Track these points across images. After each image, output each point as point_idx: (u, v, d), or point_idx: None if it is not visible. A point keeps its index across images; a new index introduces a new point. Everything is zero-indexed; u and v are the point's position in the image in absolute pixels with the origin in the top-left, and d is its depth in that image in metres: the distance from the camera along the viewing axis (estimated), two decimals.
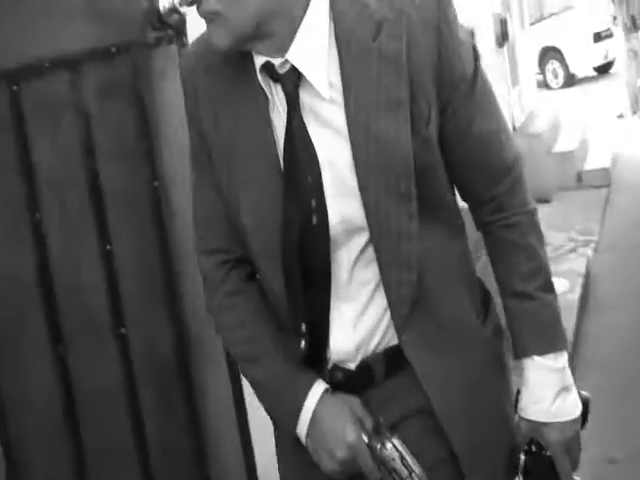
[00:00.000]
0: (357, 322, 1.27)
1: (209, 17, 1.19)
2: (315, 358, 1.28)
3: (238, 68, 1.26)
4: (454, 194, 1.35)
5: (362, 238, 1.24)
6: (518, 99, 7.34)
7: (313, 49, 1.20)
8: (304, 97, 1.22)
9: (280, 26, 1.19)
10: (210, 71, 1.29)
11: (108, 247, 2.01)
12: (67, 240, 2.01)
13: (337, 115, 1.21)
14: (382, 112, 1.19)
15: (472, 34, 2.90)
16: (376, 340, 1.28)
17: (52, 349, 1.99)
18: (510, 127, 5.04)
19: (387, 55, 1.19)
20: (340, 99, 1.21)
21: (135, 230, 2.09)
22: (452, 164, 1.29)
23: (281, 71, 1.22)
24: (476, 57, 1.27)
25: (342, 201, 1.22)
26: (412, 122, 1.20)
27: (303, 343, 1.25)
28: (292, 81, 1.21)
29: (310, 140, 1.22)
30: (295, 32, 1.20)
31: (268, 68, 1.23)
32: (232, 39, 1.19)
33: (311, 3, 1.20)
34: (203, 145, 1.32)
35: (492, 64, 5.82)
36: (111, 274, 2.02)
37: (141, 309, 2.09)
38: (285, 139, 1.23)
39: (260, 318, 1.33)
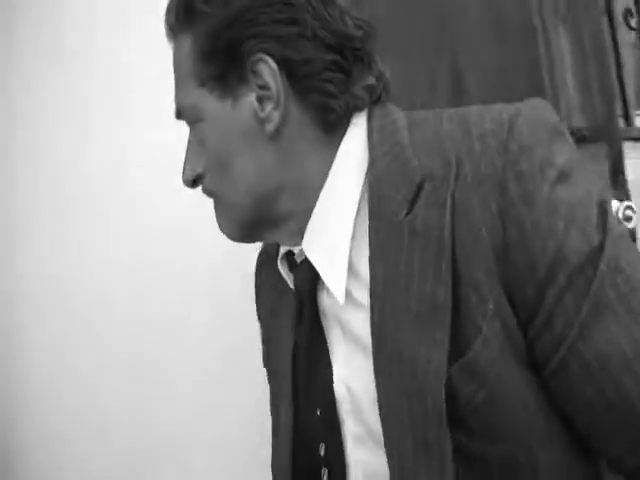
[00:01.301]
0: None
1: (213, 203, 1.01)
2: None
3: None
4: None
5: None
6: None
7: (331, 234, 0.93)
8: (322, 295, 0.97)
9: (292, 204, 0.95)
10: (265, 268, 1.10)
11: None
12: None
13: (361, 322, 0.90)
14: (411, 323, 0.85)
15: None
16: None
17: None
18: None
19: (422, 232, 0.86)
20: (366, 299, 0.90)
21: None
22: (562, 409, 0.84)
23: (298, 260, 0.99)
24: (605, 226, 0.83)
25: (364, 449, 0.90)
26: (457, 336, 0.82)
27: None
28: (305, 275, 0.97)
29: (318, 356, 0.95)
30: (311, 210, 0.95)
31: (289, 258, 1.01)
32: (237, 226, 0.98)
33: (334, 166, 0.94)
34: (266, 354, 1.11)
35: None
36: None
37: None
38: (292, 357, 0.99)
39: None
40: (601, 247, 0.82)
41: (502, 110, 0.87)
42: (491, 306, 0.81)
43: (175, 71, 1.00)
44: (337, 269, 0.92)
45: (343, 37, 0.94)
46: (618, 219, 1.28)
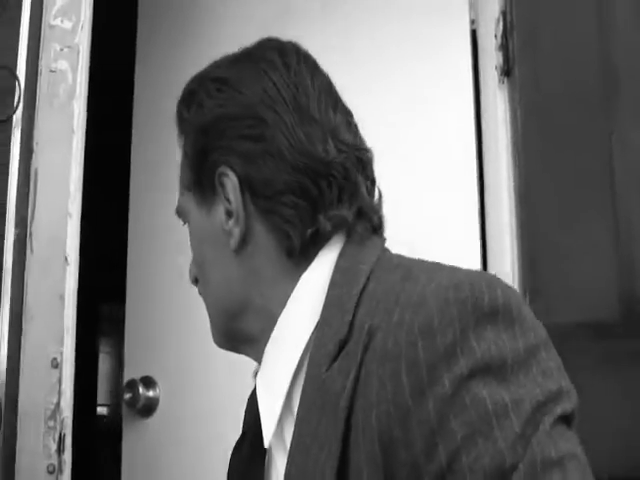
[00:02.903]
0: None
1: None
2: None
3: None
4: None
5: None
6: None
7: (275, 371, 0.87)
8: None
9: (257, 325, 0.91)
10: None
11: None
12: None
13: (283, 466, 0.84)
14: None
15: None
16: None
17: None
18: None
19: (328, 396, 0.78)
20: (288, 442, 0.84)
21: None
22: None
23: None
24: (528, 442, 0.67)
25: None
26: None
27: None
28: (253, 406, 0.92)
29: None
30: (269, 336, 0.89)
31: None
32: (217, 335, 0.96)
33: (290, 299, 0.88)
34: None
35: None
36: None
37: None
38: None
39: None
40: (513, 469, 0.66)
41: (440, 281, 0.76)
42: None
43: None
44: (272, 411, 0.86)
45: (316, 160, 0.88)
46: None
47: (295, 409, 0.83)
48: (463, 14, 1.90)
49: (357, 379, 0.75)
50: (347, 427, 0.74)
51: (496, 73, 1.79)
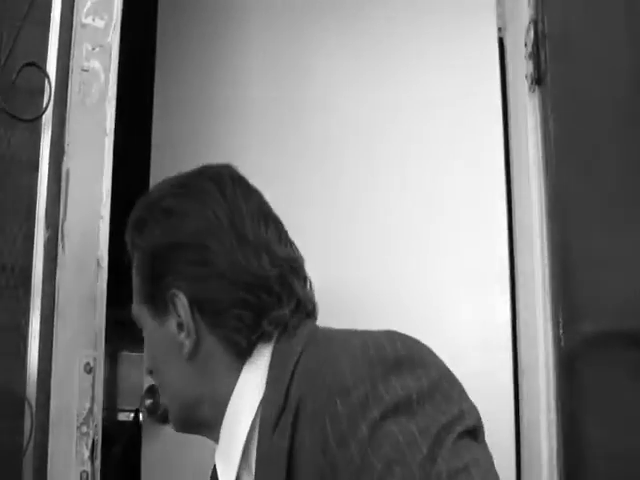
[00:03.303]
0: None
1: None
2: None
3: None
4: None
5: None
6: None
7: (228, 450, 1.00)
8: None
9: (212, 413, 1.04)
10: None
11: None
12: None
13: None
14: None
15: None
16: None
17: None
18: None
19: (273, 457, 0.92)
20: None
21: None
22: None
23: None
24: (434, 460, 0.81)
25: None
26: None
27: None
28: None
29: None
30: (222, 420, 1.02)
31: None
32: (175, 421, 1.11)
33: (236, 388, 1.01)
34: None
35: None
36: None
37: None
38: None
39: None
40: None
41: (351, 344, 0.92)
42: None
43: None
44: (230, 477, 0.99)
45: (254, 276, 1.01)
46: None
47: (252, 464, 0.96)
48: (491, 21, 1.90)
49: (292, 437, 0.89)
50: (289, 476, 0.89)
51: (526, 81, 1.79)
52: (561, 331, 1.67)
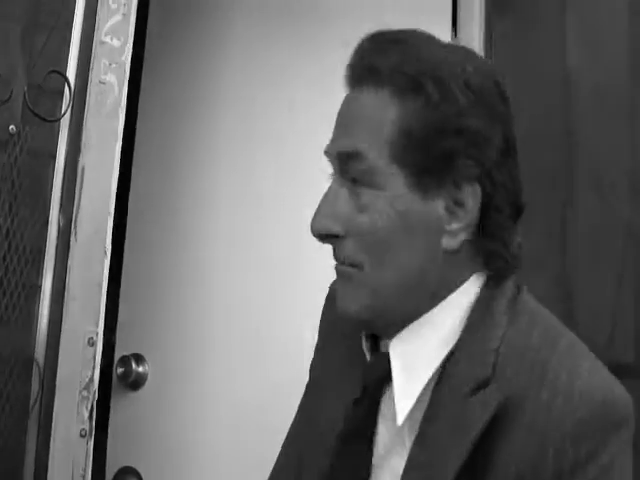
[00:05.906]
0: None
1: (345, 273, 0.95)
2: None
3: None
4: None
5: None
6: None
7: (421, 353, 0.92)
8: (388, 392, 0.96)
9: (417, 305, 0.94)
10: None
11: None
12: None
13: (402, 449, 0.93)
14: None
15: None
16: None
17: None
18: None
19: (462, 425, 0.86)
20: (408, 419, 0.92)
21: None
22: None
23: (383, 349, 0.98)
24: None
25: None
26: None
27: None
28: (379, 373, 0.96)
29: (360, 450, 0.95)
30: (420, 315, 0.94)
31: (374, 338, 1.00)
32: (369, 309, 0.94)
33: (448, 300, 0.94)
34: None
35: None
36: None
37: None
38: (343, 428, 0.97)
39: None
40: None
41: (587, 385, 0.85)
42: None
43: (357, 116, 0.94)
44: (410, 394, 0.91)
45: (519, 195, 0.95)
46: None
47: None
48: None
49: (494, 418, 0.84)
50: (475, 457, 0.84)
51: None
52: None
